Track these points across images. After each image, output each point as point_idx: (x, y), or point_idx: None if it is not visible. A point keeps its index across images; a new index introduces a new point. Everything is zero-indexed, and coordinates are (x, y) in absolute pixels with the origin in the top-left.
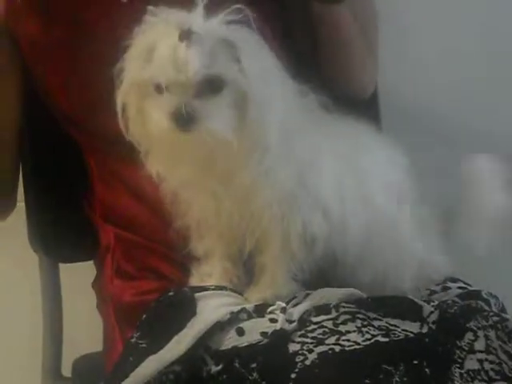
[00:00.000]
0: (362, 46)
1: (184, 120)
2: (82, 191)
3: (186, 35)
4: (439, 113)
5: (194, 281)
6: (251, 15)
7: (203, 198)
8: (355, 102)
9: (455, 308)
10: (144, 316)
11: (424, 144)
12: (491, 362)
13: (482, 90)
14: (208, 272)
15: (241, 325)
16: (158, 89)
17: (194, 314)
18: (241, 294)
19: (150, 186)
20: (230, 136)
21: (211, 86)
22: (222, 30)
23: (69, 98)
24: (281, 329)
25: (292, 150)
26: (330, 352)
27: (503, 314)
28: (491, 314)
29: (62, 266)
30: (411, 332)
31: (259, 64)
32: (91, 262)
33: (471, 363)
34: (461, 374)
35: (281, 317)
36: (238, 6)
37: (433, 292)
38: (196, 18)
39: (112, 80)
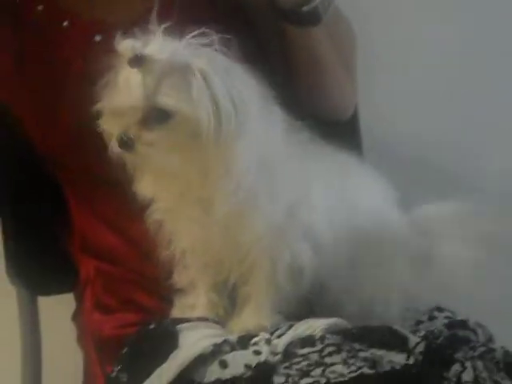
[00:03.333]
0: (337, 67)
1: (125, 145)
2: (61, 223)
3: (134, 61)
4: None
5: (176, 312)
6: (217, 38)
7: (189, 226)
8: (338, 131)
9: (441, 338)
10: (124, 349)
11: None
12: None
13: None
14: (191, 303)
15: (224, 357)
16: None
17: (175, 346)
18: (223, 325)
19: (129, 219)
20: (175, 166)
21: (157, 114)
22: (182, 55)
23: (45, 136)
24: (265, 361)
25: (279, 182)
26: None
27: (490, 345)
28: (478, 344)
29: (40, 298)
30: (397, 363)
31: (222, 91)
32: (71, 295)
33: None
34: None
35: (265, 348)
36: (205, 30)
37: (419, 322)
38: (153, 43)
39: (88, 117)
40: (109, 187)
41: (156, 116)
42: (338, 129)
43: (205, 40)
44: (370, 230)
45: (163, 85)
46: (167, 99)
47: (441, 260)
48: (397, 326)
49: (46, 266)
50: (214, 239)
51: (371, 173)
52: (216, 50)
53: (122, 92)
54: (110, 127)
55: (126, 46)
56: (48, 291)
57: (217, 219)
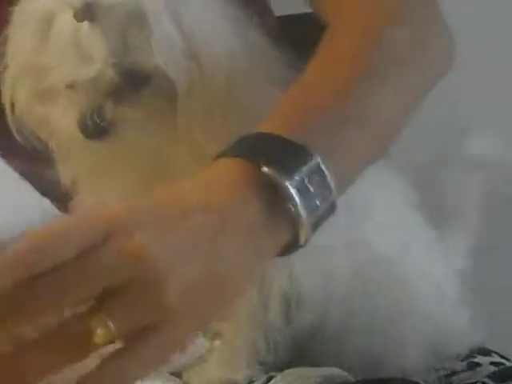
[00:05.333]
0: None
1: (92, 131)
2: None
3: (85, 12)
4: None
5: None
6: None
7: None
8: None
9: None
10: None
11: None
12: None
13: None
14: None
15: None
16: None
17: None
18: (177, 376)
19: None
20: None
21: (131, 79)
22: None
23: None
24: None
25: None
26: None
27: None
28: None
29: None
30: None
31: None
32: None
33: None
34: None
35: None
36: None
37: (454, 372)
38: None
39: None
40: None
41: (131, 83)
42: None
43: None
44: (378, 245)
45: (129, 38)
46: (140, 56)
47: None
48: (419, 379)
49: None
50: None
51: (389, 175)
52: None
53: (76, 59)
54: (65, 110)
55: None
56: None
57: None
